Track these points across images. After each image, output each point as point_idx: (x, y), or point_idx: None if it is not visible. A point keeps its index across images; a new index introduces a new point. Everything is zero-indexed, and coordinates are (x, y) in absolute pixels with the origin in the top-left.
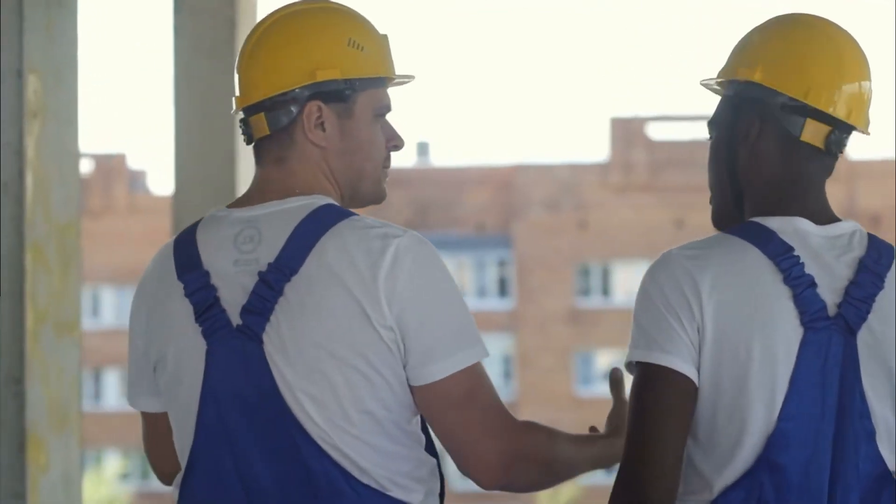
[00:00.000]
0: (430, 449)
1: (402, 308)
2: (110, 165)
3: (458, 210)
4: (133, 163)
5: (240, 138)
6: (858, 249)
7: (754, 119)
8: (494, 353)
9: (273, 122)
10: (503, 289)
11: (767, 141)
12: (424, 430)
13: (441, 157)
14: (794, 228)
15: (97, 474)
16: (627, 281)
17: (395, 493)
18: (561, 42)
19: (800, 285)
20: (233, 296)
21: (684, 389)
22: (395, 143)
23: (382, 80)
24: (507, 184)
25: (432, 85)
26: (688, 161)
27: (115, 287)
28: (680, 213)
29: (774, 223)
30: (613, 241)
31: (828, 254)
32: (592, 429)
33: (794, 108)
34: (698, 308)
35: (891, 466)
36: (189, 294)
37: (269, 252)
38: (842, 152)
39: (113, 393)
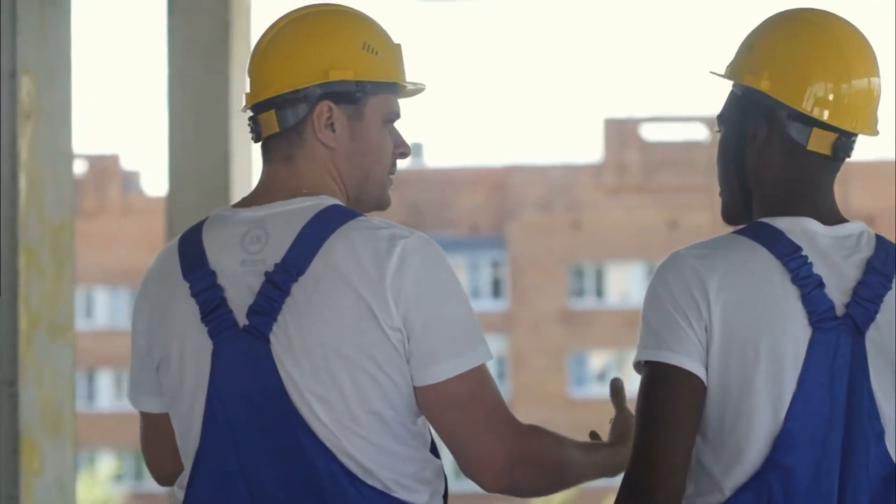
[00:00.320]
0: (434, 450)
1: (408, 308)
2: (104, 166)
3: (452, 211)
4: (127, 163)
5: (234, 139)
6: (866, 250)
7: (761, 123)
8: None
9: (283, 120)
10: (497, 290)
11: (774, 146)
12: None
13: (434, 159)
14: (802, 229)
15: (91, 475)
16: (621, 282)
17: (400, 495)
18: (554, 43)
19: (808, 285)
20: (239, 296)
21: (693, 388)
22: (403, 150)
23: (394, 86)
24: (500, 185)
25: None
26: (681, 162)
27: (108, 288)
28: (673, 214)
29: (782, 223)
30: (607, 242)
31: (836, 254)
32: (593, 435)
33: (800, 118)
34: (706, 308)
35: None
36: (195, 294)
37: (276, 252)
38: (849, 156)
39: (106, 394)
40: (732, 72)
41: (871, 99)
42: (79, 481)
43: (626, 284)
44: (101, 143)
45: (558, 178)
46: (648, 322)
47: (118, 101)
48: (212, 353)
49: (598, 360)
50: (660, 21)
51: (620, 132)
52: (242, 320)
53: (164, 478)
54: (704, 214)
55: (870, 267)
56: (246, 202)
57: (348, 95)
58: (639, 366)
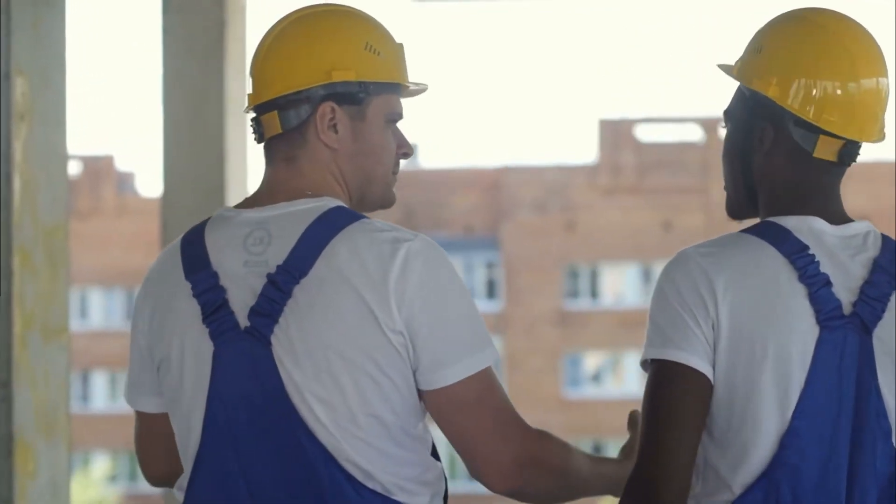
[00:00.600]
0: (434, 453)
1: (411, 312)
2: (98, 167)
3: (446, 212)
4: (121, 164)
5: (229, 139)
6: (872, 249)
7: (768, 128)
8: None
9: (285, 121)
10: (491, 291)
11: (780, 151)
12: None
13: (429, 160)
14: (809, 227)
15: (85, 476)
16: (615, 283)
17: (400, 498)
18: (549, 43)
19: (815, 284)
20: (241, 297)
21: (700, 387)
22: (405, 150)
23: (397, 86)
24: (495, 186)
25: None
26: (676, 163)
27: (103, 289)
28: (668, 215)
29: (790, 222)
30: (601, 242)
31: (842, 253)
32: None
33: (807, 125)
34: (714, 306)
35: None
36: (197, 294)
37: (278, 254)
38: (855, 161)
39: (101, 395)
40: (741, 73)
41: (878, 104)
42: (73, 482)
43: (621, 285)
44: (96, 143)
45: (553, 178)
46: (655, 320)
47: (113, 102)
48: (213, 354)
49: (592, 361)
50: (655, 22)
51: (615, 133)
52: (244, 322)
53: (158, 479)
54: (699, 215)
55: (876, 266)
56: (248, 203)
57: (351, 96)
58: (645, 364)
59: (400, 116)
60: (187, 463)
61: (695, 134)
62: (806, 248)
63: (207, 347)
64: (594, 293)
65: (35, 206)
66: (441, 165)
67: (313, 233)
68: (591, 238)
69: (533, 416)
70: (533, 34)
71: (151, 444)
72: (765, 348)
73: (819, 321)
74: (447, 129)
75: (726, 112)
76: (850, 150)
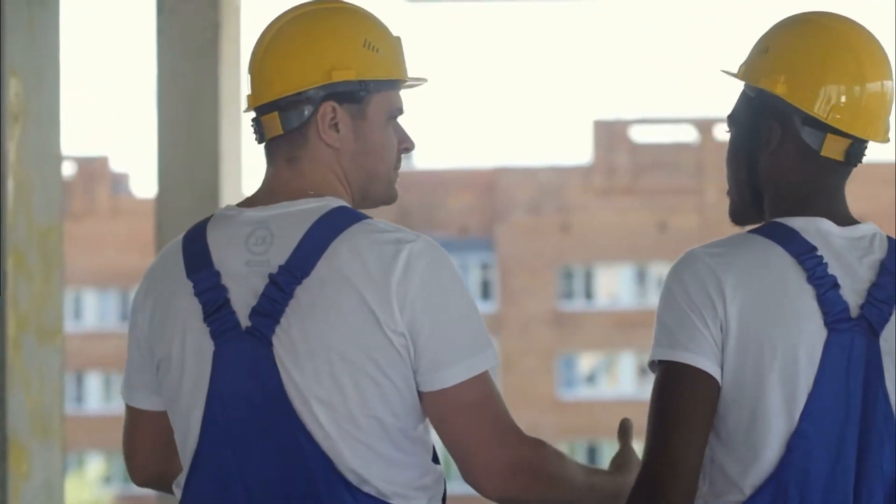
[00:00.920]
0: (435, 456)
1: (413, 313)
2: (93, 168)
3: (441, 213)
4: (116, 165)
5: (224, 140)
6: (879, 252)
7: (775, 126)
8: None
9: (286, 122)
10: (486, 292)
11: (787, 151)
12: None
13: (423, 160)
14: (816, 229)
15: (79, 478)
16: (610, 284)
17: (396, 502)
18: (544, 44)
19: (823, 285)
20: (243, 297)
21: (707, 388)
22: (407, 145)
23: (396, 82)
24: (489, 187)
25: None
26: (671, 164)
27: (97, 290)
28: (663, 215)
29: (797, 223)
30: (596, 243)
31: (849, 255)
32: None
33: (814, 123)
34: (722, 306)
35: None
36: (199, 293)
37: (280, 254)
38: (861, 161)
39: (95, 396)
40: (747, 73)
41: (885, 104)
42: (67, 483)
43: (616, 286)
44: (90, 144)
45: (547, 179)
46: (663, 321)
47: (107, 103)
48: (213, 354)
49: (587, 362)
50: (649, 23)
51: (610, 134)
52: (245, 322)
53: (144, 478)
54: (693, 216)
55: (883, 269)
56: (250, 202)
57: (351, 95)
58: (653, 365)
59: (400, 112)
60: (185, 461)
61: (689, 135)
62: (814, 249)
63: (208, 347)
64: (589, 294)
65: (29, 208)
66: (436, 166)
67: (315, 233)
68: (586, 239)
69: (527, 417)
70: (527, 35)
71: (141, 443)
72: (773, 349)
73: (827, 323)
74: (442, 129)
75: (730, 117)
76: (856, 150)
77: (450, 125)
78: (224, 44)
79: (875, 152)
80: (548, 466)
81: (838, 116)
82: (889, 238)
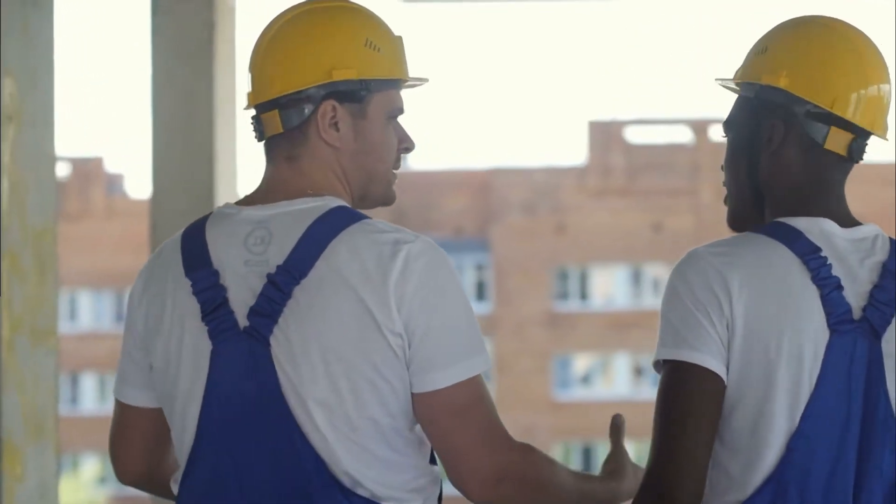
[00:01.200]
0: (432, 457)
1: (410, 313)
2: (88, 169)
3: (436, 214)
4: (111, 166)
5: (218, 141)
6: (881, 254)
7: (777, 123)
8: None
9: (286, 120)
10: (481, 292)
11: (791, 147)
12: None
13: (418, 161)
14: (820, 229)
15: (74, 479)
16: (605, 284)
17: None
18: (539, 45)
19: (827, 286)
20: (241, 297)
21: (713, 387)
22: (407, 145)
23: (397, 82)
24: (484, 187)
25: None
26: (665, 165)
27: (92, 291)
28: (658, 216)
29: (801, 223)
30: (591, 244)
31: (851, 257)
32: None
33: (818, 116)
34: (728, 305)
35: None
36: (197, 292)
37: (279, 254)
38: (862, 158)
39: (90, 397)
40: (746, 73)
41: (885, 104)
42: (62, 484)
43: (611, 287)
44: (86, 145)
45: (542, 180)
46: (668, 320)
47: (102, 104)
48: (211, 353)
49: (582, 363)
50: (644, 24)
51: (604, 135)
52: (243, 321)
53: (129, 476)
54: (688, 217)
55: (886, 271)
56: (249, 200)
57: (352, 94)
58: (657, 365)
59: (401, 111)
60: (182, 459)
61: (684, 135)
62: (818, 249)
63: (206, 346)
64: (584, 295)
65: (23, 209)
66: (431, 167)
67: (314, 233)
68: (581, 240)
69: (522, 418)
70: (522, 35)
71: (131, 440)
72: (779, 347)
73: (829, 325)
74: (437, 130)
75: (727, 122)
76: (859, 145)
77: (445, 126)
78: (219, 44)
79: (873, 153)
80: (536, 472)
81: (844, 106)
82: (891, 239)
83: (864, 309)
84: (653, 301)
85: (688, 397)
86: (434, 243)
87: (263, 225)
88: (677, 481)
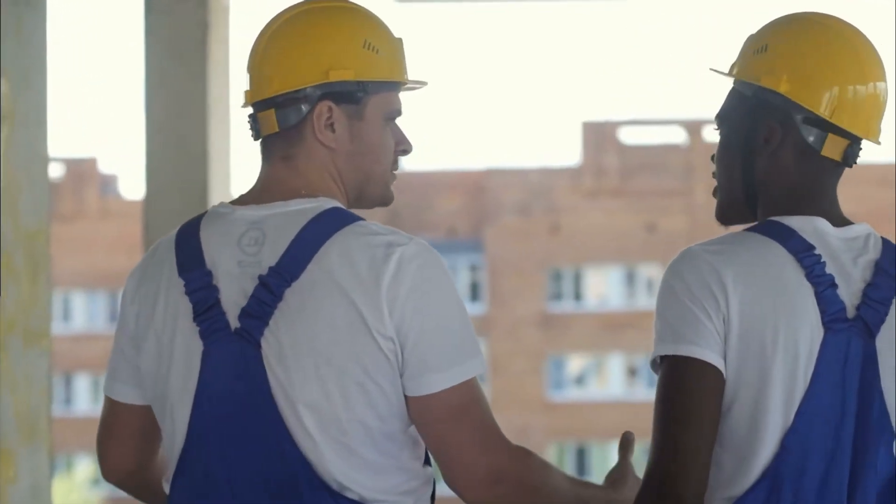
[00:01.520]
0: (428, 459)
1: (402, 317)
2: (81, 170)
3: (430, 214)
4: (104, 167)
5: (212, 141)
6: (873, 252)
7: (774, 125)
8: None
9: (283, 120)
10: (475, 293)
11: (787, 150)
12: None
13: (412, 162)
14: (813, 228)
15: (68, 480)
16: (599, 285)
17: None
18: (532, 46)
19: (821, 284)
20: (233, 298)
21: (714, 381)
22: (405, 146)
23: (396, 84)
24: (478, 188)
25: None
26: (659, 165)
27: (86, 292)
28: (651, 217)
29: (794, 222)
30: (585, 245)
31: (844, 255)
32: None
33: (815, 122)
34: (724, 299)
35: None
36: (190, 292)
37: (271, 255)
38: (856, 162)
39: (84, 398)
40: (743, 71)
41: (881, 104)
42: (56, 485)
43: (605, 288)
44: (79, 146)
45: (536, 181)
46: (665, 317)
47: (95, 104)
48: (202, 353)
49: (576, 364)
50: (638, 25)
51: (598, 135)
52: (234, 323)
53: (116, 474)
54: (682, 218)
55: (878, 269)
56: (244, 199)
57: (349, 95)
58: (655, 364)
59: (399, 113)
60: (172, 459)
61: (678, 136)
62: (812, 247)
63: (197, 346)
64: (578, 295)
65: (16, 210)
66: (424, 168)
67: (307, 235)
68: (575, 240)
69: (516, 419)
70: (516, 36)
71: (119, 437)
72: (775, 343)
73: (823, 322)
74: (431, 131)
75: (719, 116)
76: (854, 150)
77: (439, 126)
78: (213, 45)
79: (868, 154)
80: (531, 476)
81: (841, 116)
82: (883, 238)
83: (858, 307)
84: (647, 302)
85: (689, 394)
86: (428, 245)
87: (257, 225)
88: (681, 480)
